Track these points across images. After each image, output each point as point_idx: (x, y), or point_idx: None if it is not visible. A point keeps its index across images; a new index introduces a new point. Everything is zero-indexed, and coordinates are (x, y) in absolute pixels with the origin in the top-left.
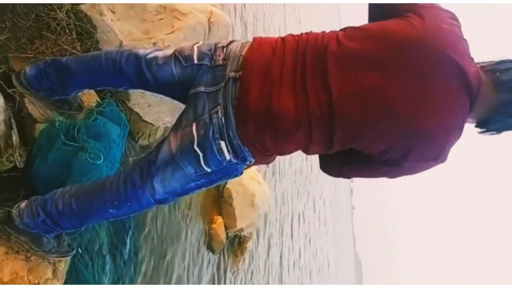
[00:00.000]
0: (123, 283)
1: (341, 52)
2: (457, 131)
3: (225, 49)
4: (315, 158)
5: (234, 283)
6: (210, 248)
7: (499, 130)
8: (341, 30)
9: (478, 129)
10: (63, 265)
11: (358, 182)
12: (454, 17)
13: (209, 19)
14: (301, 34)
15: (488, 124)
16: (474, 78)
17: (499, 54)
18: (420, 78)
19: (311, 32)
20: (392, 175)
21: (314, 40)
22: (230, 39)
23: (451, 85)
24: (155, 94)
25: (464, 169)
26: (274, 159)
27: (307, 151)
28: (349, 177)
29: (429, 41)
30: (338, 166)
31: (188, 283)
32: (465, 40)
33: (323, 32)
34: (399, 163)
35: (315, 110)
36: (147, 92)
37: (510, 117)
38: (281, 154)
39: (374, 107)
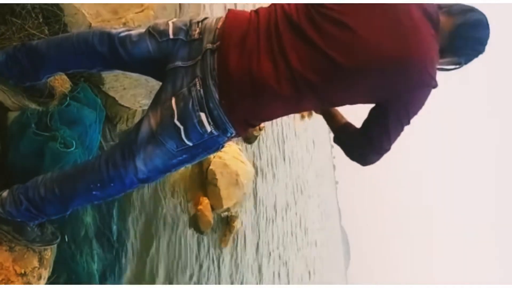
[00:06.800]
0: (113, 269)
1: (310, 10)
2: (432, 51)
3: (200, 24)
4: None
5: (224, 263)
6: (197, 229)
7: (456, 53)
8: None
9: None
10: (49, 254)
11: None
12: None
13: None
14: (272, 4)
15: (450, 47)
16: (430, 7)
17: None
18: (385, 16)
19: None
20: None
21: (282, 6)
22: (203, 16)
23: (414, 15)
24: (130, 74)
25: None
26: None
27: (299, 107)
28: (382, 144)
29: None
30: (365, 140)
31: (178, 265)
32: None
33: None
34: (396, 102)
35: (297, 66)
36: (121, 74)
37: (463, 39)
38: (268, 118)
39: (356, 53)
